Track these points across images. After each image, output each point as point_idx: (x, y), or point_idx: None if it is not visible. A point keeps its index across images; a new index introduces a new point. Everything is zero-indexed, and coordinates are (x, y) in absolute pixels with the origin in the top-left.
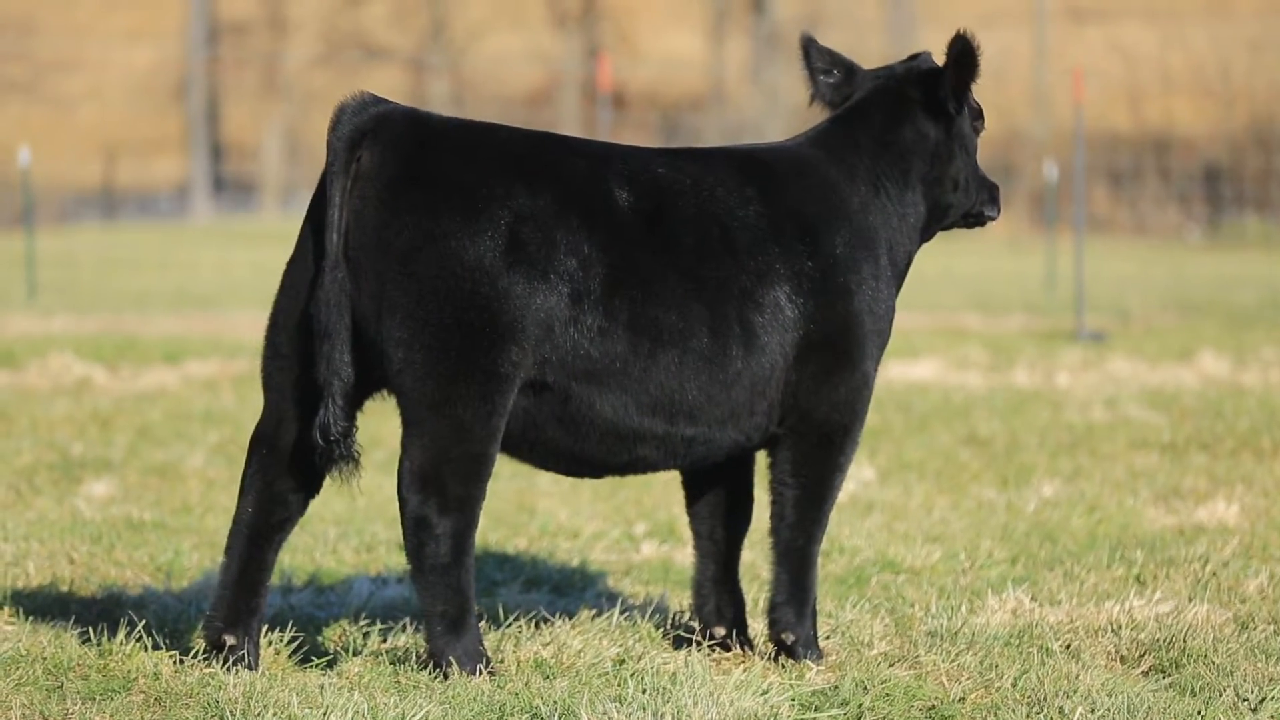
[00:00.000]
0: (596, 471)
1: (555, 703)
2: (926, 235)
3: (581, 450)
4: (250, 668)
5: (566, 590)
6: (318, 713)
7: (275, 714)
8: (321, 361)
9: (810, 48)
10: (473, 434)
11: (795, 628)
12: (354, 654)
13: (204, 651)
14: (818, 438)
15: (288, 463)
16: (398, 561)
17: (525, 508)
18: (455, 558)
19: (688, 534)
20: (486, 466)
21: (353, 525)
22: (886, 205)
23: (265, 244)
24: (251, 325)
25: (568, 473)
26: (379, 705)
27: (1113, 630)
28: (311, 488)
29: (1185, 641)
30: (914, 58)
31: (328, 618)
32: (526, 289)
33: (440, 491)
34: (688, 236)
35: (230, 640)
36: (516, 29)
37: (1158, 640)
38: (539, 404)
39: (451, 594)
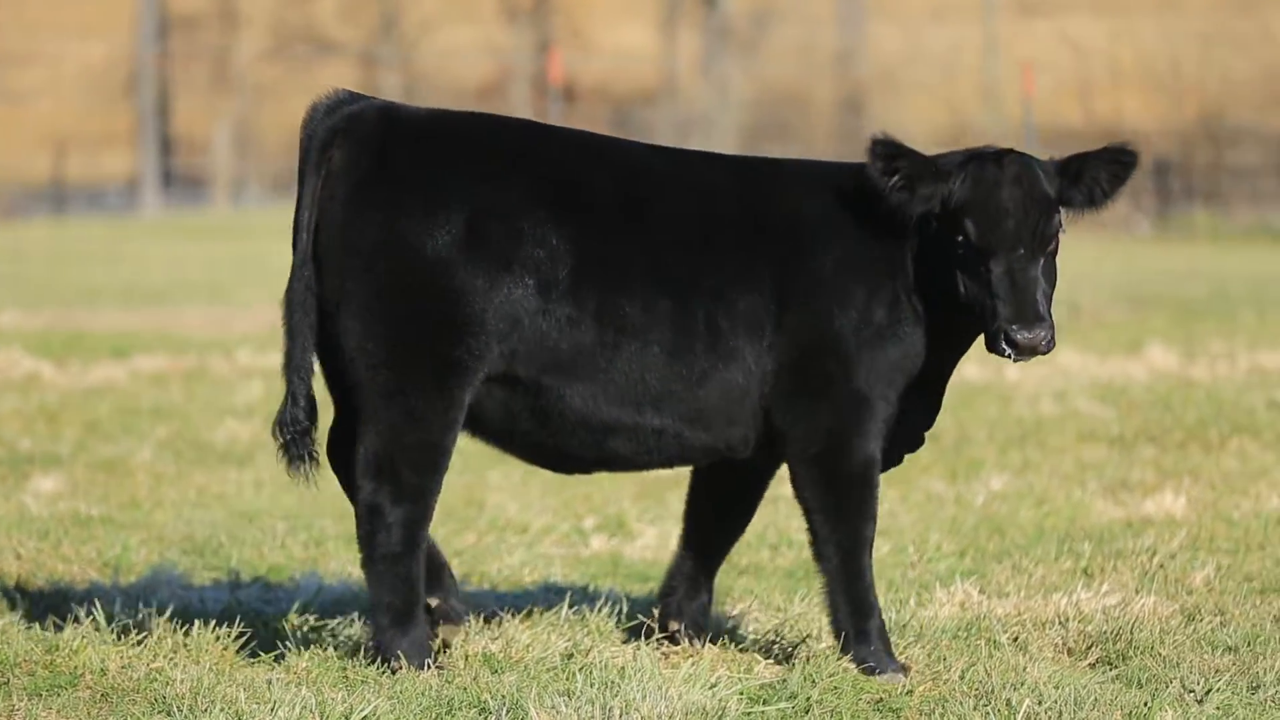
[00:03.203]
0: (572, 466)
1: (504, 697)
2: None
3: (557, 443)
4: (459, 615)
5: (515, 585)
6: (265, 708)
7: (223, 709)
8: (284, 359)
9: None
10: (427, 423)
11: (861, 656)
12: (302, 649)
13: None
14: (813, 457)
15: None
16: (346, 556)
17: (474, 502)
18: (406, 548)
19: (637, 527)
20: (442, 457)
21: (301, 520)
22: (903, 240)
23: (215, 238)
24: (201, 320)
25: (550, 467)
26: (327, 700)
27: (1060, 622)
28: None
29: (1132, 634)
30: (996, 153)
31: (276, 613)
32: (487, 281)
33: (394, 480)
34: (666, 233)
35: (434, 601)
36: (468, 22)
37: (1105, 632)
38: (513, 396)
39: (400, 585)
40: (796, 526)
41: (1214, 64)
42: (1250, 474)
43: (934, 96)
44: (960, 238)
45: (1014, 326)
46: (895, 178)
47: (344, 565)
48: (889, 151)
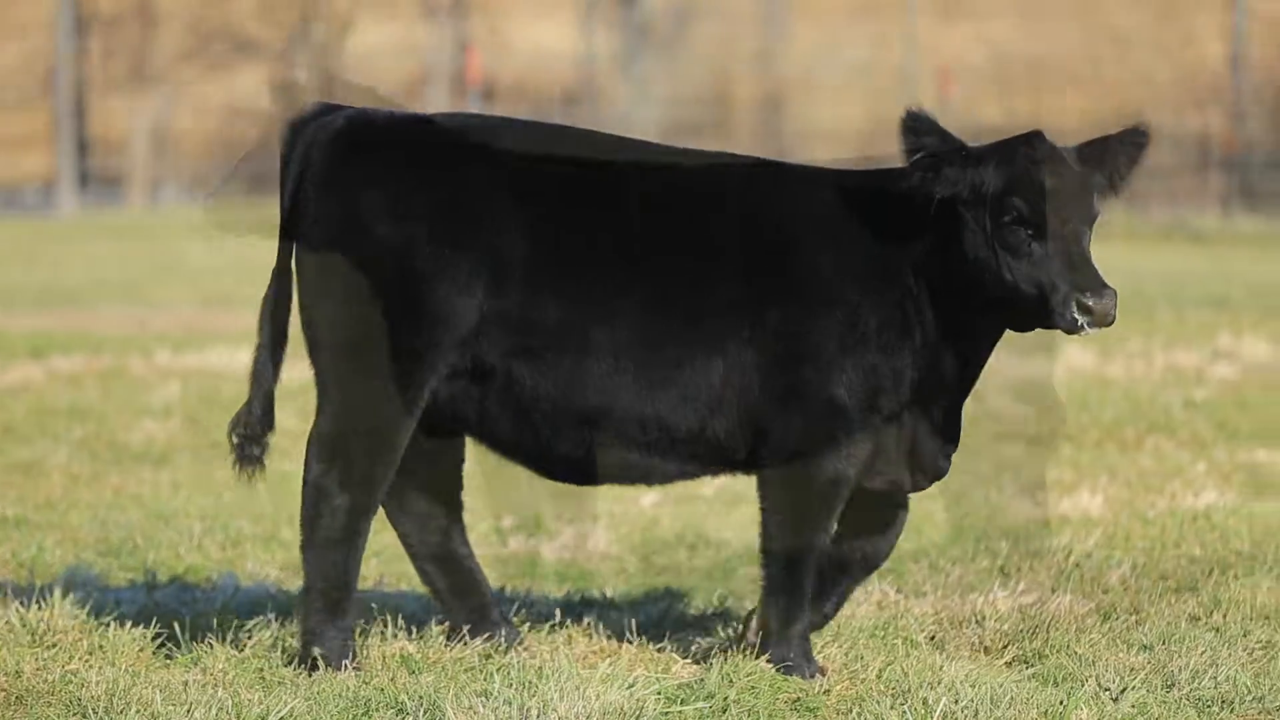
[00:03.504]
0: (569, 472)
1: (421, 697)
2: (969, 316)
3: (541, 443)
4: (513, 640)
5: None
6: (181, 710)
7: (138, 711)
8: (251, 365)
9: None
10: (380, 408)
11: (779, 656)
12: (218, 650)
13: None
14: (783, 465)
15: (420, 492)
16: (264, 557)
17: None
18: (347, 535)
19: (555, 526)
20: (394, 446)
21: (218, 521)
22: (906, 246)
23: (132, 238)
24: (118, 320)
25: (550, 474)
26: (243, 702)
27: (977, 621)
28: (450, 486)
29: (1048, 632)
30: (1025, 136)
31: (192, 614)
32: (443, 268)
33: (345, 464)
34: (639, 223)
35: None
36: (387, 22)
37: (1021, 631)
38: (484, 390)
39: (335, 574)
40: (714, 526)
41: (1132, 64)
42: (1166, 473)
43: (854, 96)
44: (1007, 219)
45: (1085, 294)
46: (923, 154)
47: (261, 566)
48: (920, 127)
